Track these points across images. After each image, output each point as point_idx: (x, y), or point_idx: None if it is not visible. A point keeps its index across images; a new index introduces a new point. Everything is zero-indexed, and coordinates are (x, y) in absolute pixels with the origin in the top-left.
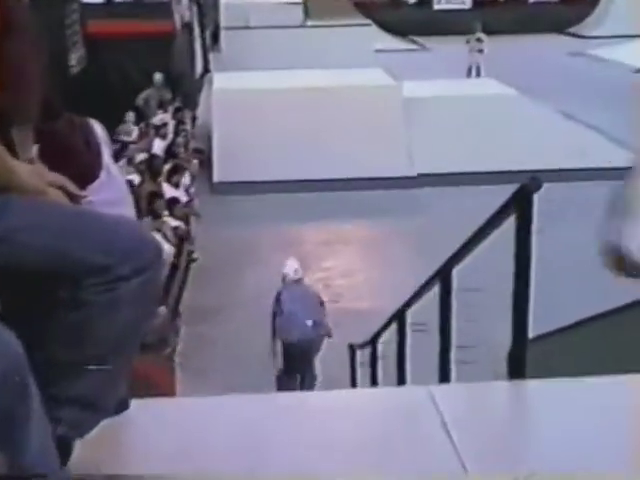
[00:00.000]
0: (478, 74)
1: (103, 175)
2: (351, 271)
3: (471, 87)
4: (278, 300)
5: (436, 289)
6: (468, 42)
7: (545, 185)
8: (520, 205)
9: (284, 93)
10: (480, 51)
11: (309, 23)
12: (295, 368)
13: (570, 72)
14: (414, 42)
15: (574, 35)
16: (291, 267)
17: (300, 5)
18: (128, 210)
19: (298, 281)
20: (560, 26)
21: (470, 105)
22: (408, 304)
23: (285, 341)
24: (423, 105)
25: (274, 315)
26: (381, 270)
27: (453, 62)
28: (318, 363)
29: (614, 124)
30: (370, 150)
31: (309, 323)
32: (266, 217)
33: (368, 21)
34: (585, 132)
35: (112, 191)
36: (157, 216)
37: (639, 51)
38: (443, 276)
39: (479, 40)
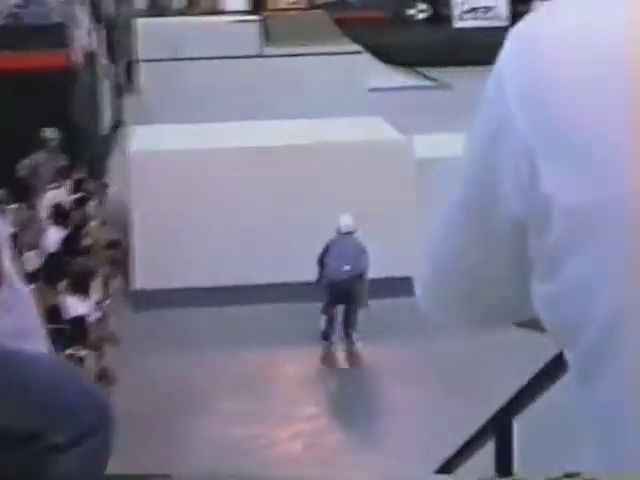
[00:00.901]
0: None
1: (5, 291)
2: (346, 422)
3: None
4: (326, 251)
5: (487, 448)
6: None
7: None
8: None
9: (235, 156)
10: None
11: (270, 51)
12: (337, 299)
13: None
14: (426, 77)
15: None
16: (344, 221)
17: (256, 24)
18: (42, 342)
19: (347, 234)
20: None
21: None
22: (444, 471)
23: (329, 279)
24: (445, 170)
25: (321, 261)
26: (390, 417)
27: None
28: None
29: None
30: (366, 239)
31: (346, 268)
32: (212, 341)
33: (358, 47)
34: None
35: (19, 314)
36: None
37: None
38: (500, 427)
39: None
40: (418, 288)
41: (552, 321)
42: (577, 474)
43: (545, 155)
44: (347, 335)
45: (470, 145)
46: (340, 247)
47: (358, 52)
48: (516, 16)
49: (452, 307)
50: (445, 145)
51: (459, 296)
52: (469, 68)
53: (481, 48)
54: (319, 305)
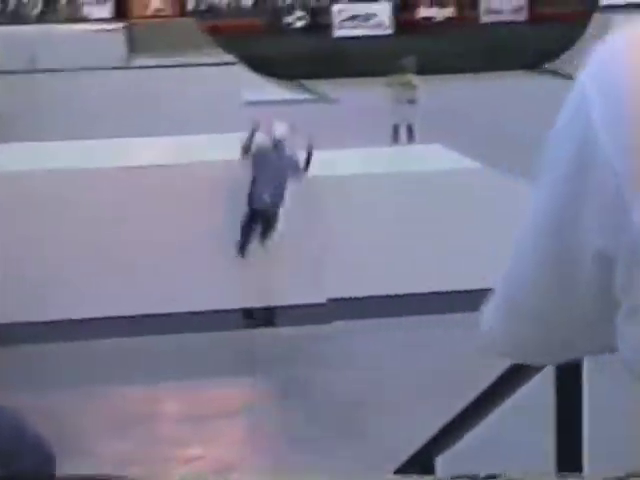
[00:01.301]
0: (410, 137)
1: None
2: (231, 464)
3: (405, 158)
4: (255, 164)
5: None
6: (391, 87)
7: None
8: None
9: (101, 177)
10: (411, 102)
11: (137, 62)
12: (256, 221)
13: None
14: (306, 89)
15: (556, 73)
16: (279, 129)
17: (121, 33)
18: None
19: (278, 145)
20: (532, 59)
21: (408, 188)
22: None
23: (251, 205)
24: (333, 189)
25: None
26: (279, 458)
27: (370, 119)
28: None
29: None
30: (251, 265)
31: (266, 198)
32: (79, 378)
33: (232, 57)
34: None
35: None
36: None
37: None
38: (421, 466)
39: (409, 84)
40: (486, 324)
41: None
42: (499, 475)
43: (632, 180)
44: (263, 244)
45: (546, 171)
46: (268, 165)
47: (232, 63)
48: (402, 25)
49: (525, 346)
50: (334, 162)
51: (533, 335)
52: (351, 79)
53: (363, 58)
54: (189, 337)
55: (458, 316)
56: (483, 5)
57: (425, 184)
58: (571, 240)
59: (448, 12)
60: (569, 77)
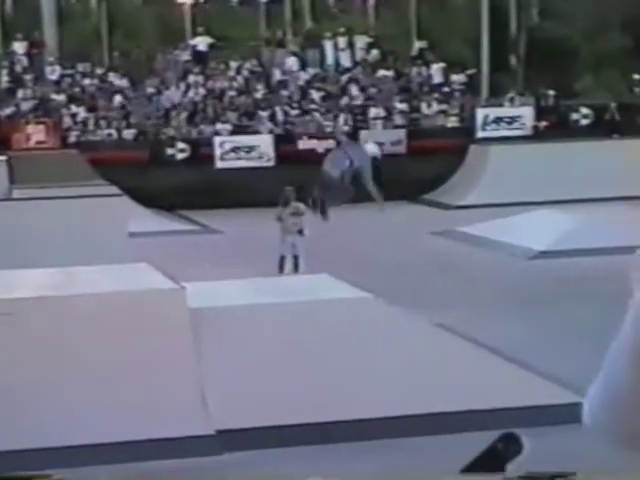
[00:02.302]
0: (296, 268)
1: None
2: None
3: (295, 289)
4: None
5: None
6: (280, 220)
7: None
8: None
9: None
10: (300, 232)
11: (17, 194)
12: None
13: (437, 260)
14: (190, 220)
15: (431, 204)
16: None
17: (2, 165)
18: None
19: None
20: (411, 190)
21: (299, 320)
22: None
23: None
24: (222, 321)
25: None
26: None
27: (257, 250)
28: None
29: (526, 341)
30: (135, 399)
31: (347, 163)
32: None
33: (115, 189)
34: (484, 358)
35: None
36: None
37: (537, 223)
38: None
39: (296, 214)
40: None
41: None
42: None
43: None
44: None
45: None
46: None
47: (116, 194)
48: (281, 156)
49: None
50: (222, 293)
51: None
52: (235, 210)
53: (246, 189)
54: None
55: (333, 447)
56: (362, 138)
57: (312, 314)
58: None
59: (328, 144)
60: (447, 207)
